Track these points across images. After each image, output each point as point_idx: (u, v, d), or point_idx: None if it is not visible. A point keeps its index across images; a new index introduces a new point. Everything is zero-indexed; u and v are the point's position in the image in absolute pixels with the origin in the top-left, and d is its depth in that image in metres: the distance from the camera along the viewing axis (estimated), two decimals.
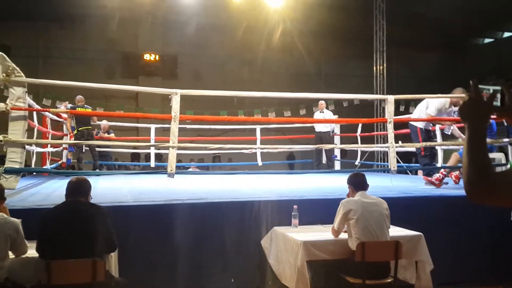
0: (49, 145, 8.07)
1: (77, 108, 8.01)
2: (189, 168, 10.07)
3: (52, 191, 5.50)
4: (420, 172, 6.26)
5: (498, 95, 1.43)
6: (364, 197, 3.92)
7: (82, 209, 3.26)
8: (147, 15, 17.05)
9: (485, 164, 1.29)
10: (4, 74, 4.49)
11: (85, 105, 8.23)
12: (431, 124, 6.51)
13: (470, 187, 1.29)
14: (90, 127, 8.22)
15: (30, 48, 16.46)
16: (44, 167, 7.91)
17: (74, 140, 7.77)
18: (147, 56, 17.91)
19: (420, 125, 6.25)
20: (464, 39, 20.83)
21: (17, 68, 4.60)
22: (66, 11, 15.17)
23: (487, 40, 21.79)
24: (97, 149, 8.34)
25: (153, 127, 9.45)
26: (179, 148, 5.62)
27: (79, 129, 7.93)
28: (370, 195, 3.97)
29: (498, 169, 6.04)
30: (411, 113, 6.88)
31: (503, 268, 4.94)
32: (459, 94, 6.01)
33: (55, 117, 8.30)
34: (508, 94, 1.44)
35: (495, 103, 1.42)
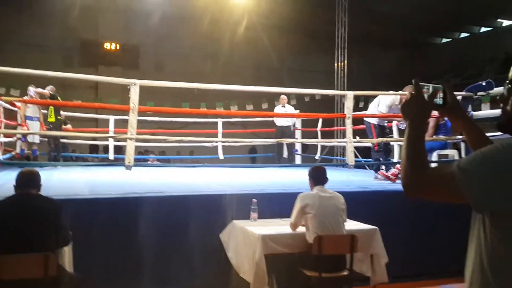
0: (1, 135, 7.78)
1: (57, 96, 7.93)
2: (148, 160, 9.92)
3: (4, 182, 5.30)
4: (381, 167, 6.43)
5: (440, 94, 1.48)
6: (322, 191, 3.98)
7: (33, 202, 3.16)
8: (109, 3, 16.63)
9: (422, 160, 1.33)
10: None
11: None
12: (386, 121, 6.69)
13: (406, 181, 1.33)
14: (61, 117, 8.23)
15: None
16: None
17: (54, 129, 7.72)
18: (107, 45, 17.50)
19: (373, 121, 6.42)
20: (424, 37, 21.43)
21: None
22: None
23: (444, 40, 22.47)
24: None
25: (112, 118, 9.25)
26: (140, 141, 5.53)
27: (58, 118, 7.92)
28: (327, 189, 4.03)
29: None
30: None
31: (456, 262, 5.12)
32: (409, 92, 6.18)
33: (8, 106, 8.00)
34: (450, 93, 1.50)
35: (437, 101, 1.47)
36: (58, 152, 8.04)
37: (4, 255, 2.87)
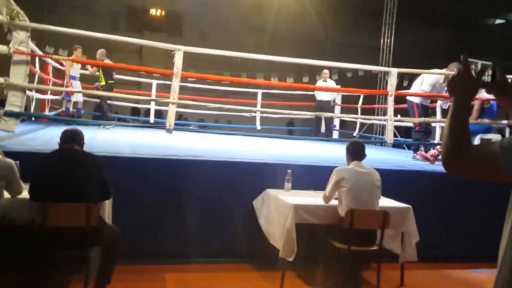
0: (49, 92, 8.08)
1: (104, 61, 8.20)
2: (190, 126, 10.10)
3: (50, 137, 5.53)
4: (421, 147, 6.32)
5: (489, 71, 1.44)
6: (358, 167, 3.97)
7: (77, 156, 3.29)
8: None
9: (464, 138, 1.31)
10: (8, 17, 4.45)
11: (107, 58, 8.41)
12: (429, 100, 6.52)
13: (447, 158, 1.32)
14: (113, 81, 8.47)
15: None
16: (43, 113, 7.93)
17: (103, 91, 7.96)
18: (153, 11, 17.65)
19: (416, 100, 6.26)
20: (475, 18, 20.51)
21: (21, 12, 4.55)
22: None
23: (498, 21, 21.45)
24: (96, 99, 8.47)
25: (154, 82, 9.43)
26: (180, 106, 5.63)
27: (108, 81, 8.20)
28: (364, 165, 4.02)
29: None
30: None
31: (489, 247, 5.05)
32: (455, 70, 6.01)
33: (57, 65, 8.28)
34: (499, 70, 1.45)
35: (485, 78, 1.43)
36: (104, 113, 8.31)
37: (49, 203, 3.03)
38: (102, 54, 8.30)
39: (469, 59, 1.43)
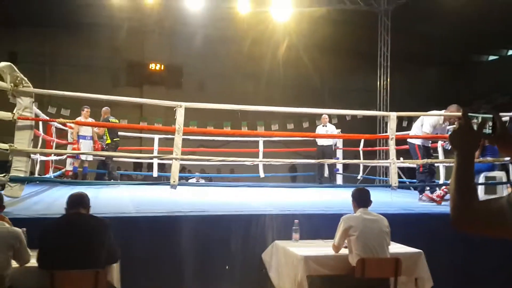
0: (52, 154, 8.15)
1: (110, 119, 8.46)
2: (194, 178, 10.11)
3: (55, 199, 5.54)
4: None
5: (490, 123, 1.46)
6: (365, 214, 3.95)
7: (83, 221, 3.29)
8: (154, 25, 17.21)
9: (470, 193, 1.31)
10: (12, 84, 4.55)
11: (111, 116, 8.64)
12: (430, 141, 6.57)
13: (454, 214, 1.32)
14: (119, 138, 8.66)
15: (37, 55, 16.59)
16: (47, 175, 7.97)
17: (110, 151, 8.15)
18: (152, 66, 18.03)
19: (417, 142, 6.32)
20: (468, 55, 20.94)
21: (25, 79, 4.67)
22: (74, 19, 15.34)
23: (491, 58, 21.88)
24: (100, 158, 8.56)
25: (156, 137, 9.52)
26: (184, 160, 5.66)
27: (114, 139, 8.37)
28: (371, 212, 3.99)
29: (499, 187, 6.08)
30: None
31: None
32: (454, 112, 6.13)
33: (60, 126, 8.39)
34: (500, 121, 1.46)
35: (486, 131, 1.45)
36: (110, 172, 8.37)
37: (57, 271, 3.00)
38: (107, 113, 8.47)
39: (469, 114, 1.46)
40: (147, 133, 11.06)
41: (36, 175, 7.41)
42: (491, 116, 1.45)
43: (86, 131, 8.36)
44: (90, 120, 8.46)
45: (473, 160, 1.41)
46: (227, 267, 4.42)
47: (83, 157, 8.24)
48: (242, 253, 4.51)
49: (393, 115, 5.80)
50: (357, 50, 17.05)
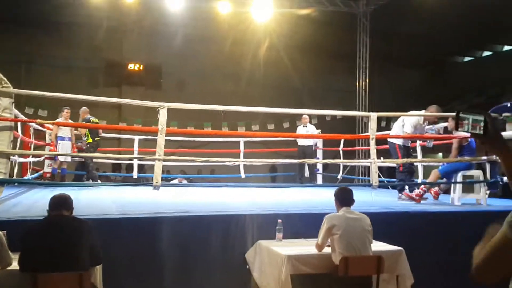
0: (30, 156, 8.03)
1: (91, 119, 8.37)
2: (176, 179, 10.06)
3: (34, 201, 5.44)
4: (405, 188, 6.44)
5: (481, 124, 1.49)
6: (348, 213, 4.00)
7: (67, 223, 3.26)
8: (134, 25, 17.04)
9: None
10: None
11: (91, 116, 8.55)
12: (410, 141, 6.70)
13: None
14: (99, 138, 8.57)
15: (13, 54, 16.22)
16: (25, 177, 7.84)
17: (91, 150, 8.10)
18: (131, 66, 17.85)
19: (398, 141, 6.44)
20: (445, 56, 21.33)
21: (5, 79, 4.59)
22: (52, 18, 15.11)
23: (467, 59, 22.34)
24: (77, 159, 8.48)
25: (136, 138, 9.44)
26: (166, 161, 5.64)
27: (95, 139, 8.29)
28: (354, 211, 4.05)
29: (476, 186, 6.22)
30: (392, 128, 7.08)
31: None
32: (433, 112, 6.28)
33: (39, 127, 8.26)
34: (491, 122, 1.48)
35: (477, 131, 1.48)
36: (90, 172, 8.26)
37: (40, 273, 2.96)
38: (86, 112, 8.37)
39: (461, 115, 1.50)
40: (126, 133, 10.97)
41: (15, 177, 7.28)
42: (482, 117, 1.48)
43: (65, 132, 8.25)
44: (69, 121, 8.36)
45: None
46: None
47: (61, 158, 8.13)
48: (225, 253, 4.52)
49: (373, 116, 5.89)
50: (337, 51, 17.20)
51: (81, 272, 3.04)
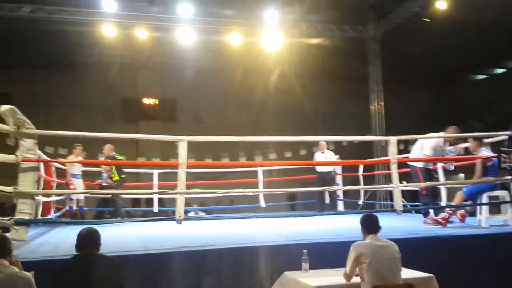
0: (53, 195, 8.11)
1: (116, 157, 8.47)
2: (192, 212, 10.06)
3: (60, 240, 5.48)
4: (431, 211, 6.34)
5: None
6: (376, 240, 3.94)
7: (94, 262, 3.26)
8: (147, 61, 17.38)
9: None
10: (15, 127, 4.57)
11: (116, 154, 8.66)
12: (431, 164, 6.62)
13: None
14: (125, 175, 8.63)
15: (30, 96, 16.57)
16: (49, 216, 7.90)
17: (118, 187, 8.17)
18: (146, 101, 18.12)
19: (419, 165, 6.37)
20: (458, 75, 21.26)
21: (28, 121, 4.69)
22: (66, 59, 15.46)
23: (481, 77, 22.24)
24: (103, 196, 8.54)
25: (155, 172, 9.50)
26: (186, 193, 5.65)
27: (121, 176, 8.35)
28: (381, 238, 3.98)
29: (503, 206, 6.10)
30: (410, 151, 7.02)
31: None
32: (452, 133, 6.22)
33: (60, 165, 8.38)
34: None
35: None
36: (117, 210, 8.33)
37: None
38: (111, 150, 8.43)
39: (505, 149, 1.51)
40: (144, 168, 11.05)
41: (39, 217, 7.34)
42: None
43: (77, 169, 8.36)
44: (80, 157, 8.47)
45: None
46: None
47: (75, 196, 8.22)
48: (251, 286, 4.46)
49: (393, 140, 5.86)
50: (349, 76, 17.27)
51: None
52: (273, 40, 13.83)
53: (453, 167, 6.87)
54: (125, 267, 3.68)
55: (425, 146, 6.28)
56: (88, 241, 3.37)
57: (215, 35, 14.33)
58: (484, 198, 6.07)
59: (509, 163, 1.52)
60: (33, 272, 3.35)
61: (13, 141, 5.15)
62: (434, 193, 6.31)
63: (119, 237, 5.81)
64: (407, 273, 4.16)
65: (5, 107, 4.54)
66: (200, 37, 13.79)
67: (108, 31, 12.68)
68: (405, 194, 9.26)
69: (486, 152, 6.01)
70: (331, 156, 9.73)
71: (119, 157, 8.57)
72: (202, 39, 14.04)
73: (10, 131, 4.59)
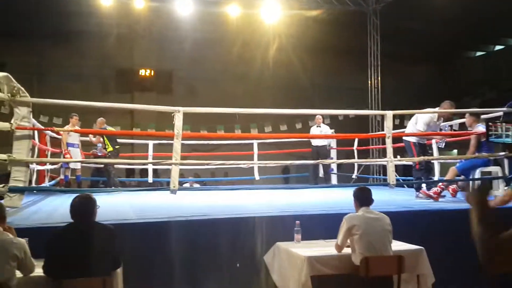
0: (48, 163, 8.11)
1: (107, 128, 8.50)
2: (187, 183, 10.11)
3: (54, 208, 5.51)
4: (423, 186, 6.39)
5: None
6: (368, 213, 3.98)
7: (90, 229, 3.28)
8: (143, 31, 17.16)
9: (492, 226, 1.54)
10: (9, 95, 4.53)
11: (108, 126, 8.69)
12: (425, 138, 6.64)
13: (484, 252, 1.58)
14: (119, 145, 8.64)
15: (25, 65, 16.41)
16: (43, 184, 7.92)
17: (112, 158, 8.16)
18: (142, 72, 17.97)
19: (412, 139, 6.39)
20: (457, 52, 21.16)
21: (22, 88, 4.65)
22: (62, 28, 15.26)
23: (478, 53, 22.14)
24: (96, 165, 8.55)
25: (151, 143, 9.49)
26: (183, 165, 5.68)
27: (115, 147, 8.37)
28: (373, 210, 4.03)
29: (495, 182, 6.15)
30: (405, 126, 7.01)
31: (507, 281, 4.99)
32: (447, 108, 6.22)
33: (54, 135, 8.36)
34: None
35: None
36: (111, 178, 8.36)
37: (66, 279, 2.99)
38: (103, 123, 8.47)
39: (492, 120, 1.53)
40: (139, 139, 11.04)
41: (33, 185, 7.37)
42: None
43: (74, 139, 8.35)
44: (77, 127, 8.46)
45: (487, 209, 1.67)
46: (237, 265, 4.43)
47: (72, 165, 8.22)
48: (244, 256, 4.52)
49: (389, 114, 5.86)
50: (347, 50, 17.15)
51: (104, 277, 3.07)
52: (272, 12, 13.65)
53: (443, 145, 6.90)
54: (119, 236, 3.70)
55: (418, 121, 6.30)
56: (83, 208, 3.38)
57: (214, 6, 14.12)
58: (477, 174, 6.13)
59: (495, 132, 1.52)
60: (27, 238, 3.38)
61: (7, 109, 5.13)
62: (427, 168, 6.34)
63: (112, 206, 5.84)
64: (397, 246, 4.23)
65: (0, 74, 4.49)
66: (198, 8, 13.59)
67: (105, 0, 12.45)
68: (398, 168, 9.32)
69: (481, 128, 6.03)
70: (327, 130, 9.75)
71: (110, 128, 8.62)
72: (200, 10, 13.84)
73: (5, 99, 4.56)
